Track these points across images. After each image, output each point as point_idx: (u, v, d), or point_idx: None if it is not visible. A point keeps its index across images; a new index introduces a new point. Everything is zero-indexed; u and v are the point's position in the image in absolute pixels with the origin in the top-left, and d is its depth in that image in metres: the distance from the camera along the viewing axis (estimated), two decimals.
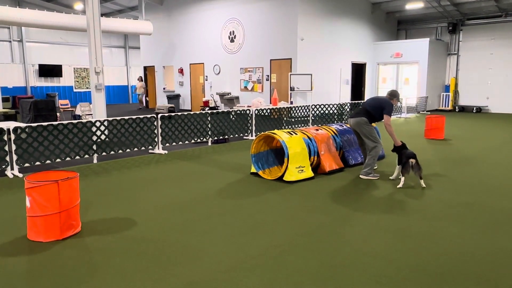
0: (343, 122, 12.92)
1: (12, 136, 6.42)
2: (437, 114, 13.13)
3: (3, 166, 6.38)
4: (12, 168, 6.49)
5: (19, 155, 6.52)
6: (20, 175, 6.40)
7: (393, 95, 6.41)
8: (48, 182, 3.76)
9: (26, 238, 3.87)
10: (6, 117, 11.23)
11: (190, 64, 19.05)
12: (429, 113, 17.22)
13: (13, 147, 6.44)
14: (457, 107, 18.52)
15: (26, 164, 6.62)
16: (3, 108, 14.52)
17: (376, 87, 19.02)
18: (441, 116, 10.30)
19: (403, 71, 18.62)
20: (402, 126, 13.11)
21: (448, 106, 18.78)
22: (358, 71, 18.05)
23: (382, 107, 6.17)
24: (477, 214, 4.60)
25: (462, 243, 3.78)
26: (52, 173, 4.10)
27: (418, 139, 10.25)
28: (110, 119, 7.85)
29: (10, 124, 7.14)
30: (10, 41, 20.96)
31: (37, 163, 6.74)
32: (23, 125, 6.72)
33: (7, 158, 6.41)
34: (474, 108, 18.10)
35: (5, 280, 3.10)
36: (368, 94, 18.67)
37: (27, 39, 21.44)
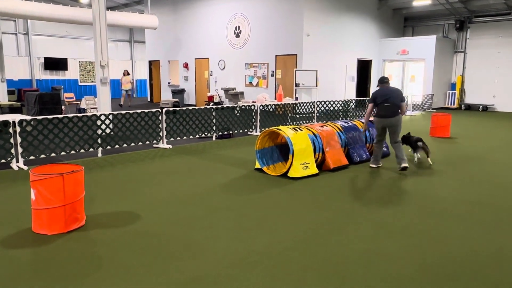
0: (348, 118, 12.87)
1: (18, 129, 6.44)
2: (443, 112, 13.04)
3: (9, 159, 6.41)
4: (17, 161, 6.52)
5: (24, 147, 6.54)
6: (25, 167, 6.42)
7: (383, 81, 6.77)
8: (53, 175, 3.76)
9: (30, 231, 3.89)
10: (12, 110, 11.24)
11: (195, 59, 19.01)
12: (434, 111, 17.11)
13: (19, 139, 6.46)
14: (463, 105, 18.39)
15: (31, 157, 6.64)
16: (9, 101, 14.56)
17: None
18: (447, 114, 10.23)
19: (409, 68, 18.50)
20: (408, 123, 13.03)
21: (454, 104, 18.65)
22: (364, 67, 17.94)
23: (401, 98, 6.46)
24: (482, 213, 4.57)
25: (468, 242, 3.76)
26: (57, 166, 4.10)
27: (423, 136, 10.15)
28: (115, 113, 7.85)
29: (16, 117, 7.16)
30: (16, 34, 20.99)
31: (42, 156, 6.76)
32: (28, 117, 6.74)
33: (12, 151, 6.43)
34: (480, 106, 17.97)
35: (10, 272, 3.11)
36: (373, 91, 18.54)
37: (32, 32, 21.47)
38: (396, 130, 6.44)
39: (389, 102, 6.41)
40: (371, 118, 6.88)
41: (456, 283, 3.00)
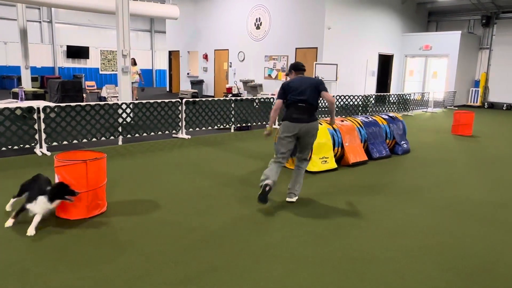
0: (368, 114, 12.71)
1: (42, 115, 6.57)
2: (465, 110, 12.77)
3: (33, 144, 6.55)
4: (40, 146, 6.66)
5: (47, 133, 6.68)
6: (48, 153, 6.56)
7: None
8: (77, 162, 3.83)
9: (54, 215, 3.97)
10: (35, 96, 11.47)
11: (214, 50, 19.02)
12: (456, 108, 16.77)
13: (42, 126, 6.60)
14: (486, 103, 17.96)
15: (54, 143, 6.77)
16: (32, 87, 14.85)
17: (402, 80, 18.61)
18: (470, 111, 10.02)
19: (432, 64, 18.13)
20: (428, 120, 12.82)
21: (476, 102, 18.24)
22: (385, 62, 17.66)
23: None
24: (506, 214, 4.47)
25: (491, 243, 3.68)
26: (80, 153, 4.18)
27: (444, 134, 10.01)
28: (135, 102, 7.94)
29: (40, 103, 7.31)
30: (40, 22, 21.34)
31: (65, 142, 6.89)
32: (52, 104, 6.86)
33: (36, 136, 6.57)
34: (505, 105, 17.51)
35: (34, 256, 3.19)
36: (394, 87, 18.29)
37: (56, 20, 21.79)
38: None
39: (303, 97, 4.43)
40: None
41: (478, 284, 2.95)
